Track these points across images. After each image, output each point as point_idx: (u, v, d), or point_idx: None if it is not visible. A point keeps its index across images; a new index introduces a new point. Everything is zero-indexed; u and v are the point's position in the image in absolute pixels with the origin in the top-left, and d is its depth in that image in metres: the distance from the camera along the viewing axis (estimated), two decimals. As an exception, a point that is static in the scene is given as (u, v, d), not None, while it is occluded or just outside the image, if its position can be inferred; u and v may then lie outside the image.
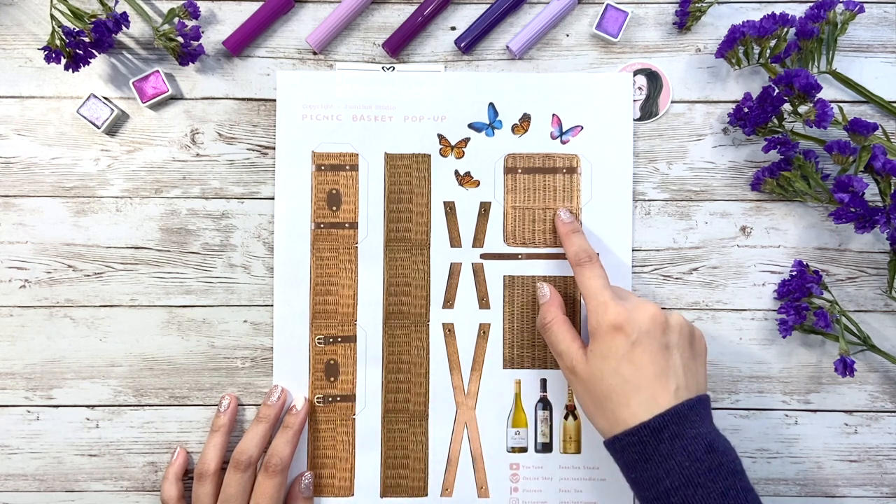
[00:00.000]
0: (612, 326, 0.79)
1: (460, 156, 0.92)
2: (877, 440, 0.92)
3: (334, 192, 0.92)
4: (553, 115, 0.92)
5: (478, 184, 0.92)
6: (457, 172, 0.92)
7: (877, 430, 0.92)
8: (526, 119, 0.92)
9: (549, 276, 0.92)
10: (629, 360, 0.79)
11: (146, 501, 0.92)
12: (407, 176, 0.92)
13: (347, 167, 0.92)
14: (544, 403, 0.92)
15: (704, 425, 0.77)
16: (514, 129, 0.92)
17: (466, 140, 0.92)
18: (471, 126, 0.92)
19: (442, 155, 0.92)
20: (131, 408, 0.92)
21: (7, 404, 0.91)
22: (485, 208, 0.92)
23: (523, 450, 0.92)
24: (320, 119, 0.91)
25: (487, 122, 0.92)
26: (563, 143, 0.92)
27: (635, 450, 0.77)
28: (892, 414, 0.92)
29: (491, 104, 0.92)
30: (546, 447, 0.93)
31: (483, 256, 0.92)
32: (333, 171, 0.92)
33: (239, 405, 0.92)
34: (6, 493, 0.91)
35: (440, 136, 0.92)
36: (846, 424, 0.93)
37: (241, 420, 0.92)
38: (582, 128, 0.92)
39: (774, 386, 0.93)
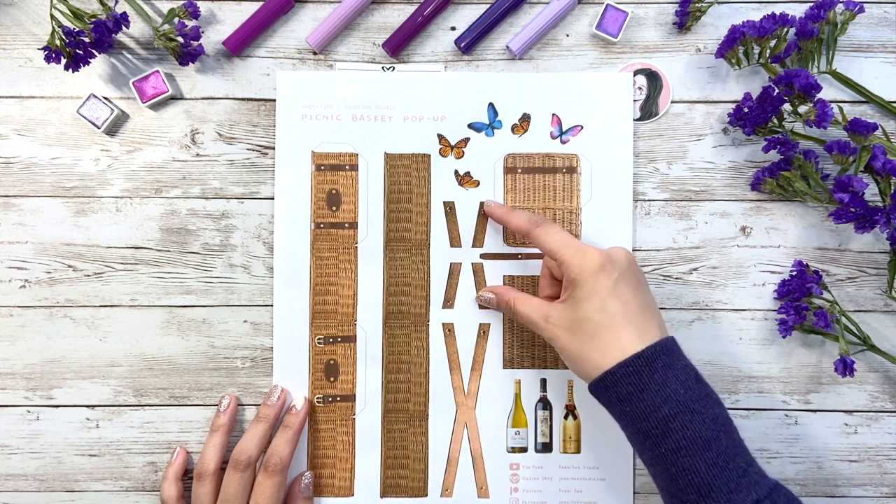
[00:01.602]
0: (597, 266, 0.80)
1: (460, 156, 0.92)
2: (877, 440, 0.92)
3: (334, 192, 0.92)
4: (553, 114, 0.92)
5: (478, 184, 0.92)
6: (456, 172, 0.92)
7: (877, 430, 0.92)
8: (526, 119, 0.92)
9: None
10: (615, 295, 0.79)
11: (146, 501, 0.92)
12: (407, 176, 0.92)
13: (347, 167, 0.92)
14: (544, 403, 0.93)
15: (685, 358, 0.80)
16: (513, 128, 0.92)
17: (466, 140, 0.92)
18: (470, 126, 0.92)
19: (442, 155, 0.92)
20: (131, 408, 0.92)
21: (7, 404, 0.91)
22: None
23: (523, 450, 0.92)
24: (320, 119, 0.91)
25: (487, 122, 0.92)
26: (563, 142, 0.92)
27: (631, 380, 0.77)
28: (892, 414, 0.92)
29: (490, 104, 0.92)
30: (546, 447, 0.93)
31: (483, 256, 0.92)
32: (333, 171, 0.92)
33: (239, 405, 0.92)
34: (6, 493, 0.91)
35: (440, 136, 0.92)
36: (846, 424, 0.93)
37: (241, 420, 0.92)
38: (582, 127, 0.92)
39: (774, 386, 0.93)
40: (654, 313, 0.81)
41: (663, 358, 0.77)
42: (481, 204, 0.92)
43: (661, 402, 0.76)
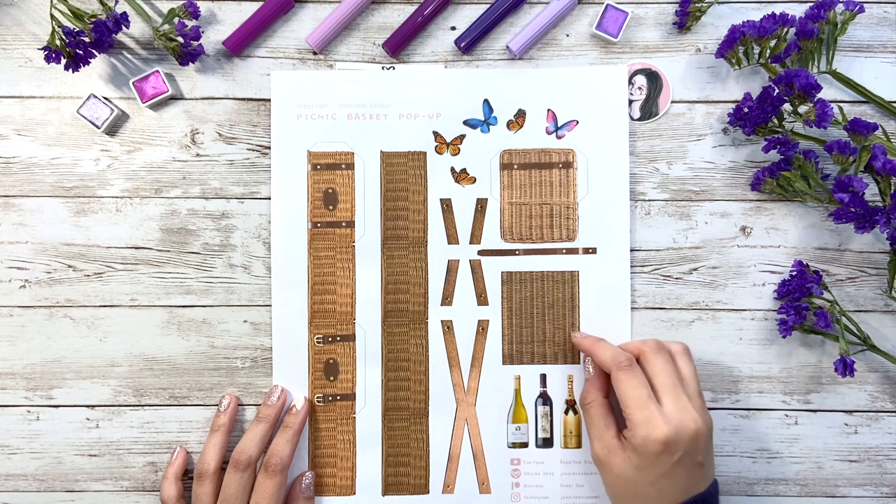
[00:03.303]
0: (660, 445, 0.80)
1: (456, 153, 0.92)
2: (877, 440, 0.92)
3: (330, 191, 0.92)
4: (548, 110, 0.92)
5: (474, 180, 0.92)
6: (453, 169, 0.92)
7: (877, 430, 0.92)
8: (521, 115, 0.92)
9: (548, 272, 0.92)
10: (669, 476, 0.80)
11: (146, 501, 0.92)
12: (403, 174, 0.92)
13: (343, 166, 0.92)
14: (544, 399, 0.92)
15: None
16: (509, 125, 0.92)
17: (462, 137, 0.92)
18: (466, 123, 0.92)
19: (437, 152, 0.92)
20: (131, 408, 0.92)
21: (7, 404, 0.92)
22: (481, 205, 0.92)
23: (524, 445, 0.92)
24: (315, 118, 0.92)
25: (483, 119, 0.92)
26: (559, 138, 0.92)
27: None
28: (892, 414, 0.92)
29: (486, 100, 0.92)
30: (547, 442, 0.93)
31: (480, 253, 0.92)
32: (329, 170, 0.92)
33: (239, 405, 0.92)
34: (6, 493, 0.92)
35: (436, 134, 0.92)
36: (846, 424, 0.93)
37: (241, 420, 0.92)
38: (577, 122, 0.92)
39: (774, 386, 0.93)
40: (704, 483, 0.82)
41: None
42: (478, 201, 0.92)
43: None
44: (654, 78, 0.93)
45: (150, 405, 0.92)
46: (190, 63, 0.90)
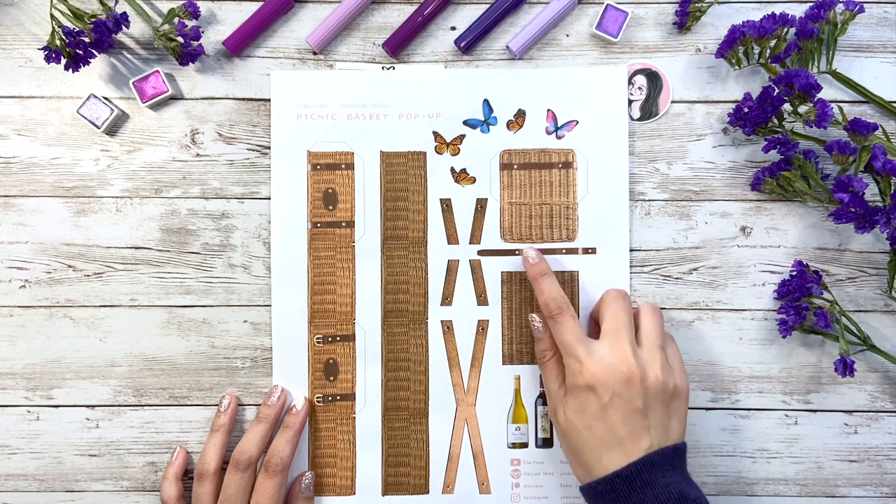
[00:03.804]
0: (585, 386, 0.80)
1: (456, 153, 0.92)
2: (877, 440, 0.92)
3: (330, 191, 0.92)
4: (548, 110, 0.92)
5: (474, 180, 0.92)
6: (452, 169, 0.92)
7: (877, 430, 0.92)
8: (521, 115, 0.92)
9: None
10: (601, 419, 0.80)
11: (146, 501, 0.92)
12: (403, 174, 0.92)
13: (343, 166, 0.92)
14: (544, 399, 0.92)
15: (676, 474, 0.79)
16: (509, 125, 0.92)
17: (462, 137, 0.92)
18: (466, 123, 0.92)
19: (437, 152, 0.92)
20: (131, 408, 0.92)
21: (7, 404, 0.91)
22: (481, 205, 0.92)
23: (524, 445, 0.92)
24: (315, 118, 0.91)
25: (482, 119, 0.92)
26: (559, 138, 0.92)
27: (607, 498, 0.78)
28: (892, 414, 0.92)
29: (486, 100, 0.92)
30: (546, 442, 0.93)
31: (480, 253, 0.92)
32: (329, 170, 0.92)
33: (239, 405, 0.92)
34: (6, 493, 0.92)
35: (435, 134, 0.92)
36: (846, 424, 0.92)
37: (241, 420, 0.92)
38: (577, 122, 0.92)
39: (774, 386, 0.92)
40: (648, 438, 0.80)
41: (643, 475, 0.77)
42: (478, 200, 0.92)
43: None
44: (654, 78, 0.93)
45: (150, 405, 0.92)
46: (190, 63, 0.90)
